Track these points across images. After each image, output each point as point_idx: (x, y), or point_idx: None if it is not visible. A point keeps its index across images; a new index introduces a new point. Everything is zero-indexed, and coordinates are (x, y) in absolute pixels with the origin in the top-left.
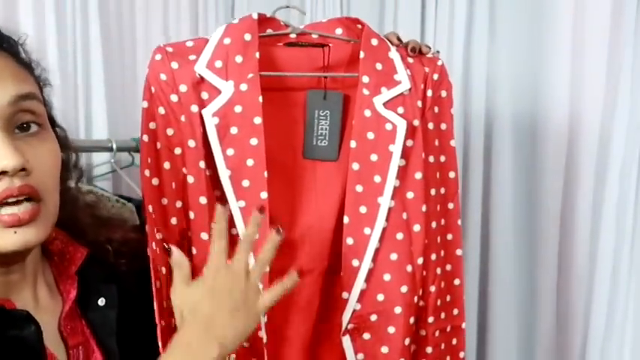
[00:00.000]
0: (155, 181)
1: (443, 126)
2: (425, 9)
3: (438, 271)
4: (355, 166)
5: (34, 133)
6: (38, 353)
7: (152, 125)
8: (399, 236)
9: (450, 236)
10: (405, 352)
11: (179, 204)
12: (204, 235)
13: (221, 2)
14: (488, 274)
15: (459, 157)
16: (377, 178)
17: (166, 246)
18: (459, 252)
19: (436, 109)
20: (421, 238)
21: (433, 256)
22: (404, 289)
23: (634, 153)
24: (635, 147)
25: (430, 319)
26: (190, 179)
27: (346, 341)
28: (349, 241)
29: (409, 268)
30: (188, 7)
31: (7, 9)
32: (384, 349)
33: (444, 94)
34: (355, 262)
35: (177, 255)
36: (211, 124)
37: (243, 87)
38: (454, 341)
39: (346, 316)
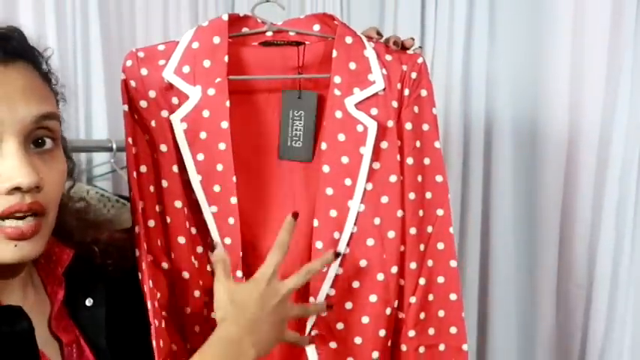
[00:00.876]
0: (139, 183)
1: (425, 127)
2: (425, 10)
3: (422, 281)
4: (326, 168)
5: (48, 150)
6: (32, 349)
7: (131, 129)
8: (370, 242)
9: (440, 245)
10: None
11: (158, 208)
12: (181, 239)
13: (221, 2)
14: (489, 275)
15: (459, 158)
16: (347, 181)
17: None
18: (453, 263)
19: (416, 109)
20: (396, 245)
21: (413, 265)
22: (373, 298)
23: (634, 153)
24: (635, 147)
25: (411, 333)
26: (164, 183)
27: (310, 349)
28: (318, 245)
29: (380, 276)
30: (188, 7)
31: (7, 9)
32: None
33: (423, 93)
34: (323, 267)
35: (219, 251)
36: (180, 129)
37: (211, 91)
38: None
39: (310, 322)
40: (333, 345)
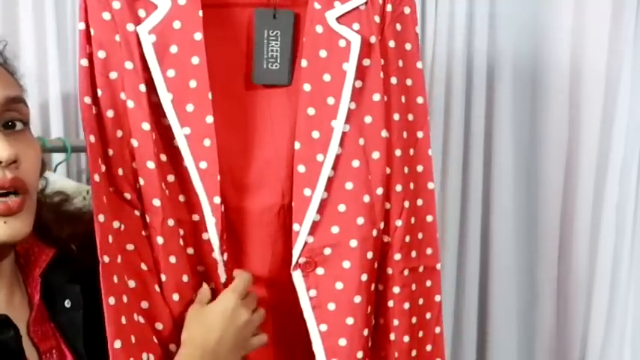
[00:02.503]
0: (95, 110)
1: (407, 46)
2: None
3: (406, 204)
4: (307, 87)
5: (20, 131)
6: (19, 358)
7: (88, 48)
8: (355, 164)
9: (420, 168)
10: (362, 289)
11: (119, 133)
12: (150, 164)
13: None
14: (489, 274)
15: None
16: (330, 100)
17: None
18: (430, 185)
19: (398, 27)
20: (381, 166)
21: (398, 188)
22: (360, 220)
23: (634, 152)
24: (635, 146)
25: (397, 257)
26: (130, 104)
27: (297, 276)
28: (300, 168)
29: (366, 198)
30: None
31: (7, 9)
32: (339, 285)
33: (406, 10)
34: (307, 192)
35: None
36: (148, 42)
37: (182, 1)
38: (428, 283)
39: (297, 249)
40: (320, 271)
